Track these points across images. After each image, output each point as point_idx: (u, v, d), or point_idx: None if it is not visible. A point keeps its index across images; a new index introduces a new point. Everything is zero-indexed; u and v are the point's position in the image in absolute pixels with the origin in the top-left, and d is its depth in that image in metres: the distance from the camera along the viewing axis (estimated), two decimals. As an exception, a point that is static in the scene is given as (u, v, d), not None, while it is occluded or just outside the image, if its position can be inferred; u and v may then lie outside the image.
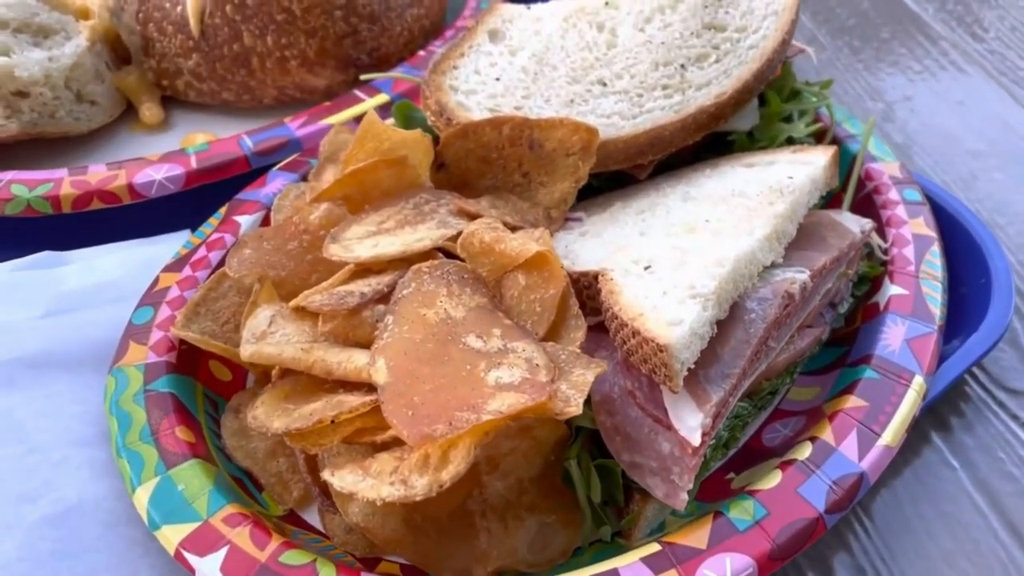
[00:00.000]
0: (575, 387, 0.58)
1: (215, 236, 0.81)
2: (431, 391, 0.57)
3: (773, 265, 0.68)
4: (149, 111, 1.03)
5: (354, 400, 0.60)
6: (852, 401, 0.68)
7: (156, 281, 0.76)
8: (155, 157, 0.90)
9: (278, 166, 0.89)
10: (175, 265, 0.78)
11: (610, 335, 0.65)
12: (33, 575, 0.58)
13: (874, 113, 1.08)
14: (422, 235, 0.72)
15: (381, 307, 0.67)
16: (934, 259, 0.78)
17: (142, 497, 0.60)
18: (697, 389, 0.60)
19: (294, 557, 0.57)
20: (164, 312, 0.73)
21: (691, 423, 0.58)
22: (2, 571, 0.58)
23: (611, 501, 0.65)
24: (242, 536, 0.58)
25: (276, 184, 0.86)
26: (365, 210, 0.76)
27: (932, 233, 0.81)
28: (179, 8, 0.98)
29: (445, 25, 1.13)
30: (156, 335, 0.71)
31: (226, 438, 0.69)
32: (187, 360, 0.71)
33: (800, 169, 0.75)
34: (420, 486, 0.54)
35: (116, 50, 1.04)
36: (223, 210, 0.84)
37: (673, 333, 0.58)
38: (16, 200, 0.87)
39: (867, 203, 0.87)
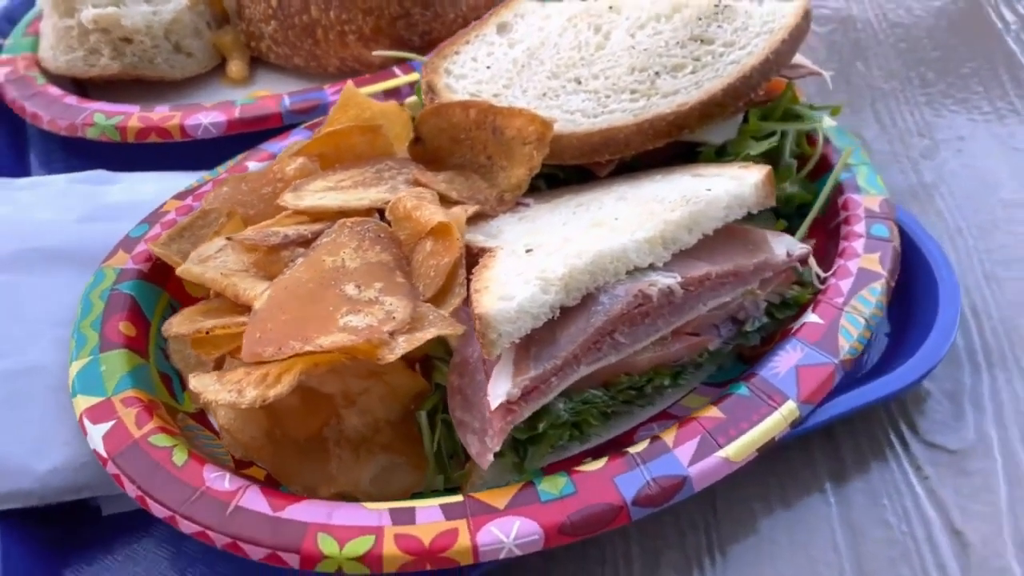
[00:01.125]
0: (409, 342, 0.65)
1: (223, 175, 0.93)
2: (285, 321, 0.66)
3: (652, 268, 0.70)
4: (235, 67, 1.19)
5: (231, 319, 0.70)
6: (711, 411, 0.70)
7: (163, 205, 0.90)
8: (209, 104, 1.05)
9: (304, 125, 1.00)
10: (182, 194, 0.91)
11: (474, 304, 0.70)
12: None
13: (915, 147, 1.04)
14: (363, 195, 0.81)
15: (301, 250, 0.76)
16: (872, 297, 0.77)
17: (73, 370, 0.74)
18: (521, 363, 0.65)
19: (161, 440, 0.68)
20: (156, 230, 0.87)
21: (499, 391, 0.63)
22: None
23: (456, 454, 0.71)
24: (129, 415, 0.70)
25: (295, 139, 0.98)
26: (335, 168, 0.86)
27: (882, 271, 0.79)
28: (264, -21, 1.12)
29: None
30: (140, 247, 0.85)
31: (166, 330, 0.80)
32: (159, 271, 0.84)
33: (725, 183, 0.76)
34: (249, 397, 0.63)
35: (218, 11, 1.20)
36: (241, 155, 0.96)
37: (496, 306, 0.63)
38: (95, 126, 1.04)
39: (836, 231, 0.86)
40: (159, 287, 0.84)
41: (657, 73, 0.86)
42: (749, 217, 0.78)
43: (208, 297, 0.80)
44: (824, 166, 0.91)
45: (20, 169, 1.11)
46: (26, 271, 0.85)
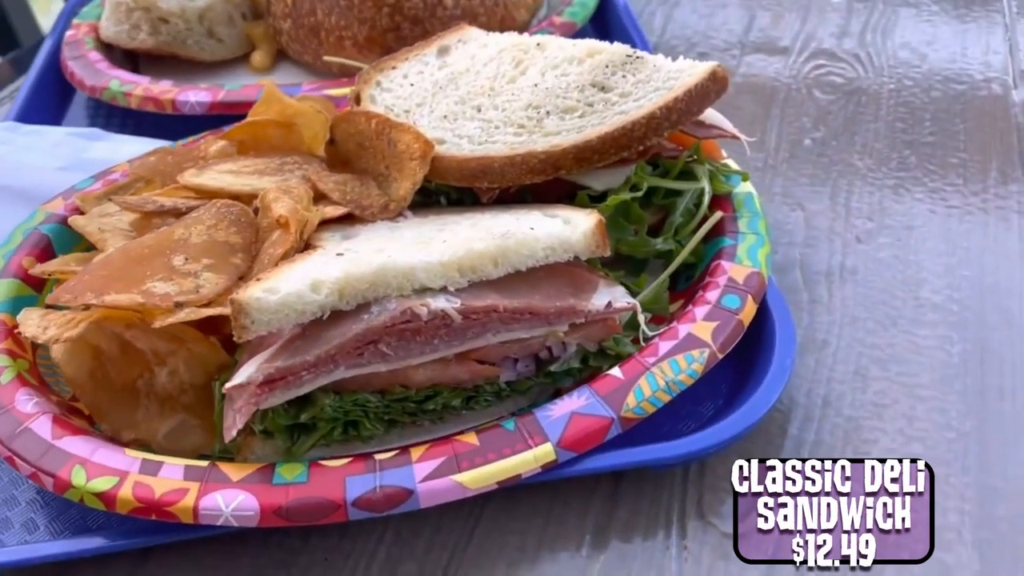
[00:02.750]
0: (188, 315, 0.72)
1: (180, 148, 1.04)
2: (102, 276, 0.75)
3: (443, 290, 0.73)
4: (258, 56, 1.30)
5: (66, 266, 0.80)
6: (470, 437, 0.72)
7: (116, 165, 1.02)
8: (204, 85, 1.17)
9: (249, 111, 1.09)
10: (136, 159, 1.02)
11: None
12: None
13: (856, 232, 1.00)
14: (254, 183, 0.89)
15: (172, 220, 0.85)
16: (684, 363, 0.76)
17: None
18: (279, 351, 0.70)
19: (1, 359, 0.79)
20: (97, 186, 0.98)
21: (244, 373, 0.69)
22: None
23: (245, 428, 0.77)
24: (-16, 336, 0.81)
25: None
26: (248, 155, 0.95)
27: (710, 343, 0.78)
28: (284, -20, 1.23)
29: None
30: (75, 198, 0.97)
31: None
32: (83, 221, 0.95)
33: (555, 226, 0.78)
34: (49, 334, 0.73)
35: (255, 4, 1.32)
36: (204, 133, 1.07)
37: (253, 295, 0.68)
38: (108, 90, 1.18)
39: (694, 291, 0.85)
40: (79, 235, 0.95)
41: (548, 112, 0.88)
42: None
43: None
44: (721, 230, 0.90)
45: (56, 122, 1.27)
46: (-7, 204, 0.99)
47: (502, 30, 1.06)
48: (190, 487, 0.69)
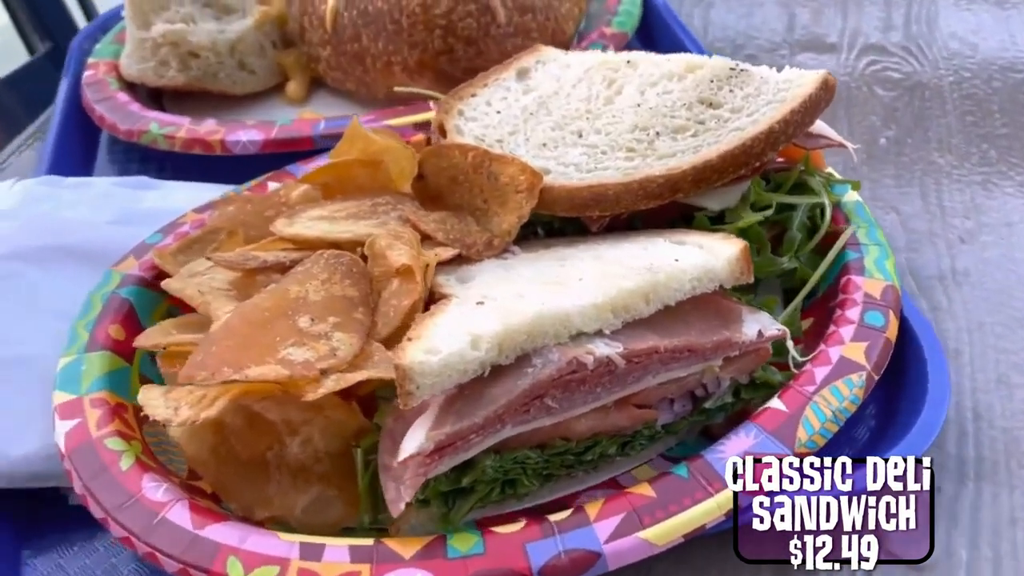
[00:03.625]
0: (338, 382, 0.67)
1: (245, 193, 0.98)
2: (230, 346, 0.69)
3: (599, 334, 0.69)
4: (293, 87, 1.24)
5: (185, 337, 0.74)
6: (644, 489, 0.68)
7: (183, 216, 0.95)
8: (252, 122, 1.10)
9: (331, 152, 1.04)
10: (202, 208, 0.96)
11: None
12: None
13: (957, 232, 0.98)
14: (351, 228, 0.83)
15: (277, 276, 0.79)
16: (846, 389, 0.73)
17: (59, 365, 0.79)
18: (443, 417, 0.65)
19: (115, 443, 0.72)
20: (168, 240, 0.92)
21: (412, 442, 0.64)
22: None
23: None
24: (93, 415, 0.74)
25: (315, 164, 1.01)
26: (335, 199, 0.89)
27: (865, 364, 0.75)
28: (322, 7, 1.17)
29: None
30: (149, 255, 0.90)
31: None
32: (162, 279, 0.89)
33: (698, 256, 0.74)
34: (183, 416, 0.67)
35: (285, 32, 1.26)
36: (266, 175, 1.01)
37: (418, 358, 0.63)
38: (148, 133, 1.11)
39: (831, 312, 0.82)
40: (160, 295, 0.88)
41: (658, 134, 0.84)
42: (748, 287, 0.77)
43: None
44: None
45: (86, 169, 1.19)
46: (48, 266, 0.92)
47: (553, 45, 1.03)
48: (361, 569, 0.64)
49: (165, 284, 0.80)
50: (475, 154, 0.86)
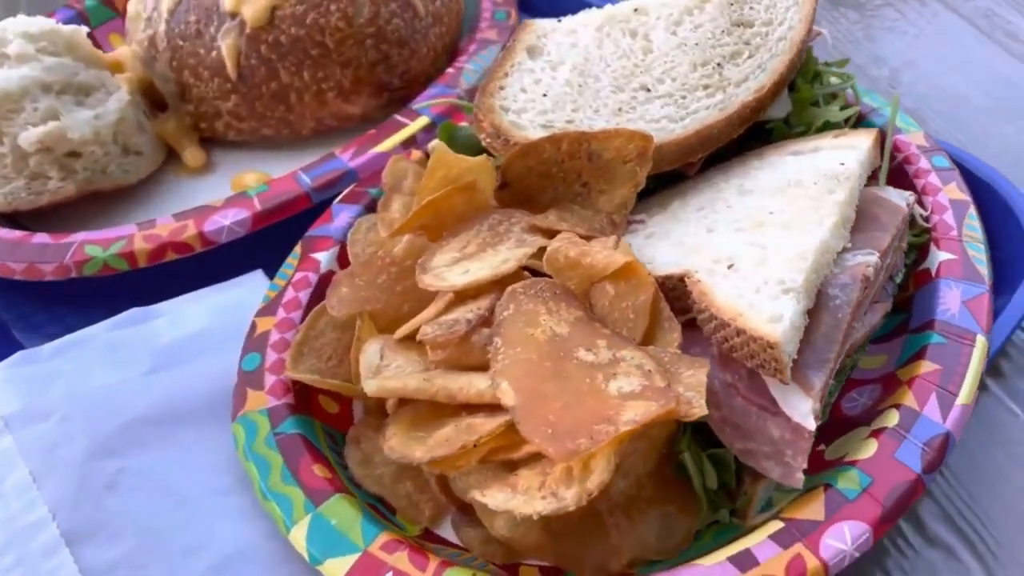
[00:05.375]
0: (691, 388, 0.63)
1: (298, 276, 0.84)
2: (562, 408, 0.62)
3: (844, 250, 0.73)
4: (192, 155, 1.06)
5: (487, 423, 0.65)
6: (926, 366, 0.73)
7: (254, 327, 0.80)
8: (219, 203, 0.93)
9: (339, 199, 0.92)
10: (267, 309, 0.81)
11: (704, 333, 0.70)
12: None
13: (881, 79, 1.14)
14: (506, 256, 0.76)
15: (486, 330, 0.71)
16: (973, 222, 0.84)
17: (298, 536, 0.64)
18: (799, 376, 0.65)
19: (456, 574, 0.62)
20: (271, 356, 0.77)
21: (803, 409, 0.63)
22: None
23: (721, 485, 0.70)
24: (402, 560, 0.63)
25: (343, 218, 0.90)
26: (444, 237, 0.80)
27: (966, 197, 0.86)
28: (214, 53, 1.01)
29: (461, 39, 1.16)
30: (270, 379, 0.75)
31: (353, 469, 0.73)
32: (302, 400, 0.75)
33: (848, 154, 0.80)
34: (570, 497, 0.59)
35: (151, 98, 1.06)
36: (298, 249, 0.87)
37: (778, 330, 0.63)
38: (93, 260, 0.89)
39: (900, 174, 0.92)
40: (310, 416, 0.75)
41: (719, 64, 0.87)
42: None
43: (379, 409, 0.73)
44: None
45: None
46: (143, 447, 0.72)
47: (456, 24, 1.01)
48: (799, 551, 0.62)
49: (376, 391, 0.68)
50: (569, 140, 0.82)
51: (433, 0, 1.08)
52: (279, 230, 0.93)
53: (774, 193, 0.79)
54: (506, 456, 0.65)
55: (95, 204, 1.02)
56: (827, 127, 0.88)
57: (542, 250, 0.77)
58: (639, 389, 0.63)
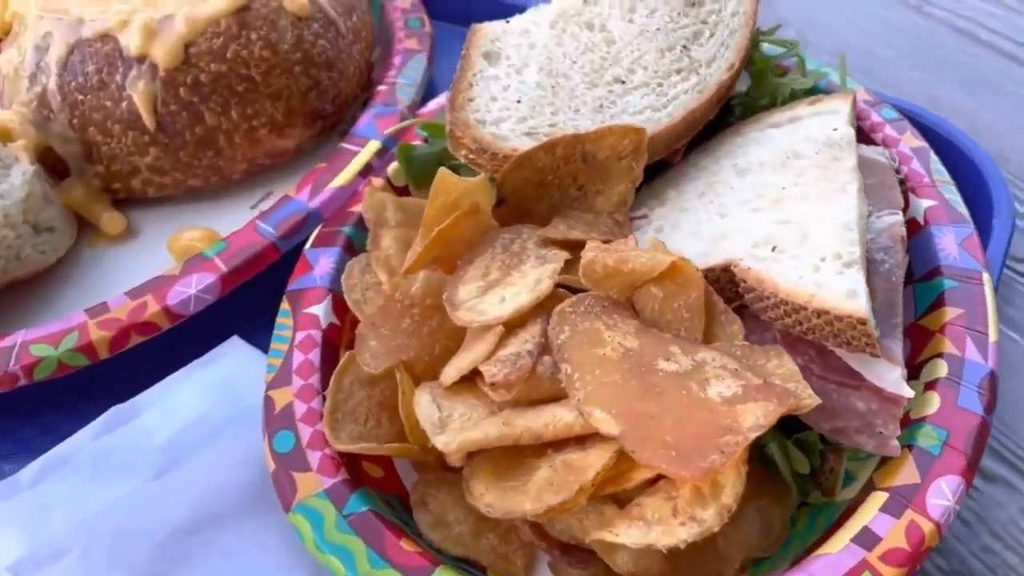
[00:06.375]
0: (788, 379, 0.62)
1: (300, 337, 0.76)
2: (674, 426, 0.59)
3: (869, 214, 0.74)
4: (110, 221, 0.94)
5: (590, 458, 0.61)
6: (951, 312, 0.76)
7: (271, 403, 0.72)
8: (176, 271, 0.83)
9: (310, 244, 0.84)
10: (279, 380, 0.73)
11: (763, 318, 0.69)
12: None
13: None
14: (536, 276, 0.72)
15: (547, 359, 0.67)
16: (938, 166, 0.87)
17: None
18: (887, 344, 0.65)
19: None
20: (305, 431, 0.69)
21: (892, 377, 0.64)
22: None
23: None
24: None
25: (324, 264, 0.82)
26: (458, 266, 0.75)
27: (923, 144, 0.90)
28: (124, 104, 0.89)
29: (374, 53, 1.09)
30: (314, 457, 0.67)
31: (428, 534, 0.67)
32: (352, 471, 0.68)
33: (834, 119, 0.81)
34: (711, 517, 0.57)
35: (47, 164, 0.93)
36: (286, 306, 0.79)
37: (861, 305, 0.63)
38: (44, 362, 0.77)
39: (858, 131, 0.95)
40: (365, 487, 0.68)
41: (684, 47, 0.86)
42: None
43: (429, 465, 0.68)
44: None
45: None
46: (189, 562, 0.63)
47: (372, 39, 0.97)
48: (911, 518, 0.63)
49: (458, 446, 0.62)
50: (563, 145, 0.79)
51: (350, 15, 1.01)
52: (245, 286, 0.84)
53: (775, 168, 0.79)
54: (616, 488, 0.61)
55: (7, 297, 0.88)
56: (794, 96, 0.89)
57: (566, 263, 0.74)
58: (740, 391, 0.61)
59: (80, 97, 0.89)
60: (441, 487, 0.69)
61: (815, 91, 0.89)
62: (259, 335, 0.83)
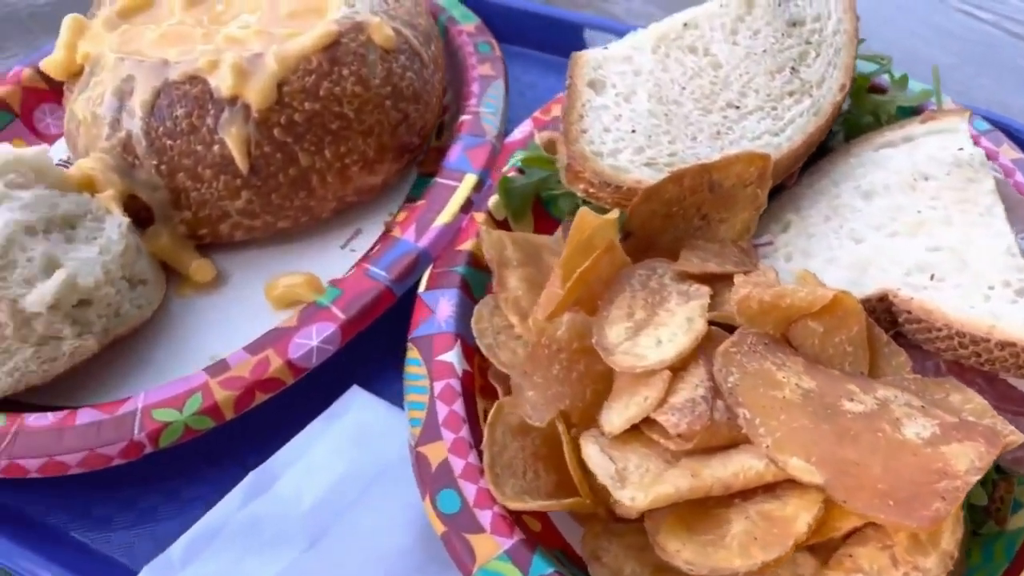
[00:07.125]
0: (979, 415, 0.61)
1: (440, 387, 0.74)
2: (884, 472, 0.58)
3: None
4: (200, 268, 0.90)
5: (791, 508, 0.60)
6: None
7: (424, 461, 0.69)
8: (292, 322, 0.80)
9: (423, 287, 0.82)
10: (428, 435, 0.71)
11: (931, 349, 0.68)
12: None
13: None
14: (687, 315, 0.71)
15: (720, 403, 0.65)
16: None
17: None
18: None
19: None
20: (468, 489, 0.67)
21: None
22: None
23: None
24: None
25: (445, 307, 0.80)
26: (599, 306, 0.73)
27: (1022, 155, 0.90)
28: (215, 148, 0.85)
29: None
30: (485, 517, 0.65)
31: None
32: (526, 532, 0.66)
33: (956, 138, 0.81)
34: (933, 565, 0.56)
35: (131, 213, 0.88)
36: (415, 355, 0.76)
37: (1000, 312, 0.62)
38: (172, 427, 0.74)
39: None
40: (535, 543, 0.66)
41: (793, 68, 0.85)
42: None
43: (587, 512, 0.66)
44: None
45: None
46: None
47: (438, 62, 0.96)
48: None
49: (650, 503, 0.60)
50: (690, 175, 0.77)
51: (429, 44, 0.98)
52: (374, 332, 0.82)
53: (904, 190, 0.78)
54: (820, 539, 0.60)
55: (105, 357, 0.84)
56: (902, 112, 0.89)
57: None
58: (939, 431, 0.60)
59: (168, 142, 0.85)
60: (611, 539, 0.67)
61: (920, 109, 0.89)
62: (376, 382, 0.80)
